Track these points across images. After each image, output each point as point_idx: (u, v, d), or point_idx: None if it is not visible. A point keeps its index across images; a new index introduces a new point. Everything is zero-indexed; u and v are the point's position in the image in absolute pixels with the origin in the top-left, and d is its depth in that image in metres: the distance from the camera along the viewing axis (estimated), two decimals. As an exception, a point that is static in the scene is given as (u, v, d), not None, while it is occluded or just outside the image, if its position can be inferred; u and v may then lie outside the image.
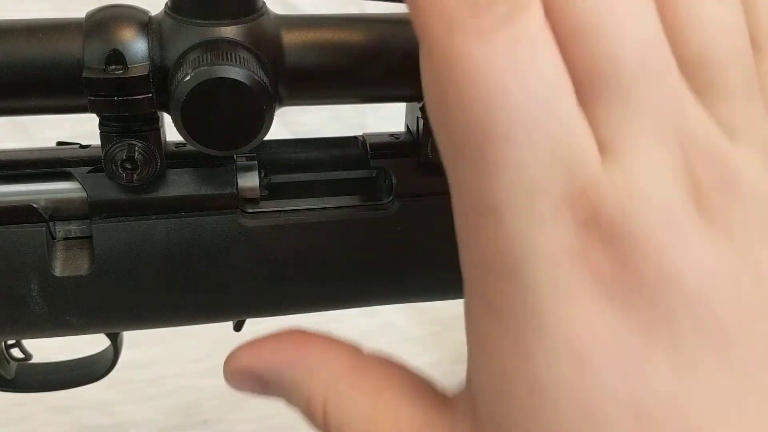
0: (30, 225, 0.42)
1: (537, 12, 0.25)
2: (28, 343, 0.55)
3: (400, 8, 0.43)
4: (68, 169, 0.42)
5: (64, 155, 0.44)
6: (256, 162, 0.45)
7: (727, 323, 0.24)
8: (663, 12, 0.27)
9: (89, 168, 0.42)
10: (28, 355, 0.55)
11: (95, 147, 0.43)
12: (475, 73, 0.24)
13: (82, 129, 0.47)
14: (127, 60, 0.37)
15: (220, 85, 0.36)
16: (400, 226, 0.46)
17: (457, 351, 1.01)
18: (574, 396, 0.24)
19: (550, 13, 0.26)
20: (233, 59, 0.37)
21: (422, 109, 0.44)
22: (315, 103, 0.44)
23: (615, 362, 0.24)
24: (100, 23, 0.38)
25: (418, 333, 0.99)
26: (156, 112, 0.40)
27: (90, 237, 0.43)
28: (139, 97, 0.38)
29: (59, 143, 0.46)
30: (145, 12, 0.40)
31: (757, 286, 0.25)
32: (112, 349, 0.53)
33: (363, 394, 0.33)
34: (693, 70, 0.27)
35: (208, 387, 0.88)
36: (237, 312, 0.48)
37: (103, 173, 0.41)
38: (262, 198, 0.45)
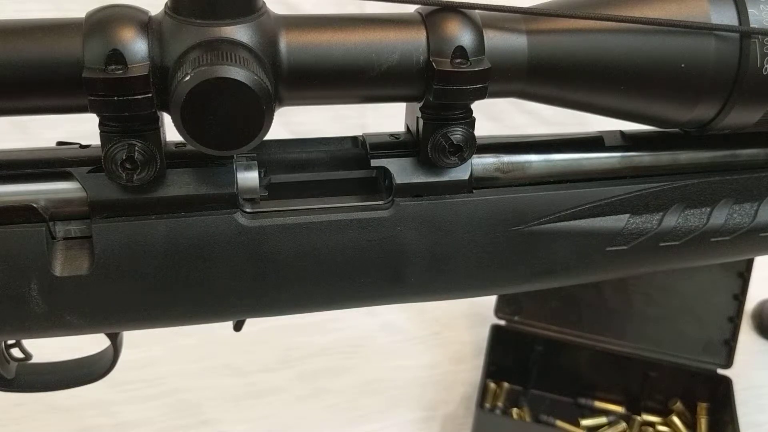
0: (30, 225, 0.42)
1: None
2: (28, 343, 0.55)
3: (400, 8, 0.43)
4: (68, 169, 0.42)
5: (64, 155, 0.44)
6: (256, 162, 0.45)
7: None
8: None
9: (89, 168, 0.42)
10: (28, 355, 0.55)
11: (95, 147, 0.43)
12: None
13: (82, 129, 0.47)
14: (126, 60, 0.37)
15: (221, 85, 0.36)
16: (400, 225, 0.46)
17: (457, 351, 1.01)
18: None
19: None
20: (233, 59, 0.37)
21: (422, 109, 0.44)
22: (315, 103, 0.44)
23: None
24: (99, 23, 0.38)
25: (418, 333, 0.99)
26: (156, 112, 0.40)
27: (90, 237, 0.43)
28: (139, 97, 0.38)
29: (59, 143, 0.46)
30: (145, 12, 0.39)
31: None
32: (112, 349, 0.53)
33: None
34: None
35: (208, 387, 0.88)
36: (236, 312, 0.48)
37: (103, 173, 0.41)
38: (262, 198, 0.45)
